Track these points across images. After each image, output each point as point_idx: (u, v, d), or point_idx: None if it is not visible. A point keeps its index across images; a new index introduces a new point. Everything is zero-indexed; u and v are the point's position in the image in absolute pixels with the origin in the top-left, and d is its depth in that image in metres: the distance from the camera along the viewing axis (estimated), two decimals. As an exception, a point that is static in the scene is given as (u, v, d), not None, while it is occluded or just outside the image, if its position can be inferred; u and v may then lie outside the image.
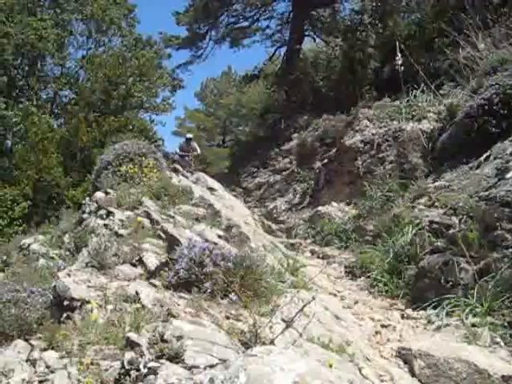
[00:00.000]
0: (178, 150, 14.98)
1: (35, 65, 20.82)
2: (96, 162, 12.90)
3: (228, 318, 3.29)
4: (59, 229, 7.83)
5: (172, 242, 4.19)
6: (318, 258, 8.06)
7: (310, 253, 8.33)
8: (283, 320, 3.24)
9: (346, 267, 7.36)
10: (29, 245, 7.56)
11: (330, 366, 2.43)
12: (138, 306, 3.13)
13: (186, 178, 10.11)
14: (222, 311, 3.37)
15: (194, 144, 16.42)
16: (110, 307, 3.41)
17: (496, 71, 8.09)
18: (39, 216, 13.92)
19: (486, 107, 7.30)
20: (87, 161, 15.05)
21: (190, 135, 16.15)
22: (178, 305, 3.33)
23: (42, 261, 6.30)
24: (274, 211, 12.15)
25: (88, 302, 3.44)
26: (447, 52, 12.64)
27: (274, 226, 10.46)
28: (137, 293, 3.35)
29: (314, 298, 2.88)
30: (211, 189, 9.37)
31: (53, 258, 6.47)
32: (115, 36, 22.53)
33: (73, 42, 22.83)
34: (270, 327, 2.95)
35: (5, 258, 7.81)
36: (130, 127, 16.88)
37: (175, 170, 10.81)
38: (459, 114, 8.04)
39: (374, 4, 17.67)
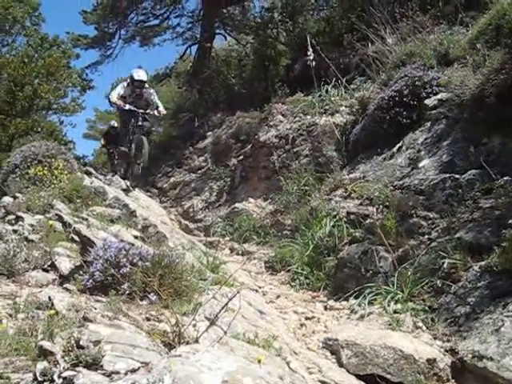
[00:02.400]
0: (117, 102, 9.68)
1: None
2: (2, 165, 12.34)
3: (148, 319, 3.14)
4: (-37, 236, 7.38)
5: (86, 244, 3.98)
6: (238, 254, 7.98)
7: (229, 250, 8.24)
8: (207, 318, 3.12)
9: (265, 262, 7.31)
10: None
11: (259, 361, 2.33)
12: (52, 312, 2.91)
13: (100, 180, 9.81)
14: (141, 313, 3.21)
15: (153, 94, 10.31)
16: (20, 316, 3.17)
17: (405, 64, 8.25)
18: None
19: (397, 99, 7.41)
20: (-7, 165, 14.36)
21: (143, 76, 10.06)
22: (95, 309, 3.14)
23: None
24: (191, 210, 11.97)
25: (-3, 312, 3.19)
26: (357, 47, 12.89)
27: (191, 225, 10.31)
28: (49, 298, 3.13)
29: (238, 292, 2.77)
30: (125, 190, 9.16)
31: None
32: (19, 35, 21.60)
33: (-28, 42, 21.80)
34: (194, 325, 2.82)
35: None
36: (39, 129, 16.17)
37: (88, 173, 10.47)
38: (371, 107, 8.15)
39: (284, 1, 17.82)
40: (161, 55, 70.68)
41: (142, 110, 9.91)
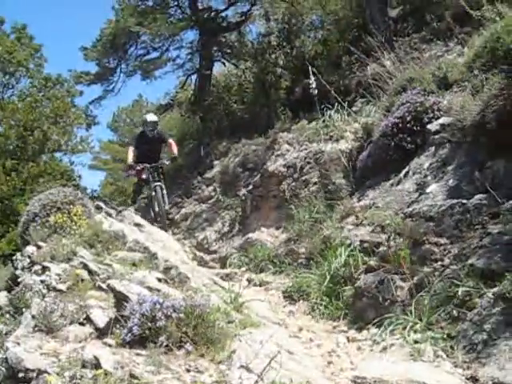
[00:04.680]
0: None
1: None
2: (19, 211, 12.56)
3: (188, 370, 3.35)
4: (-10, 287, 7.59)
5: (121, 299, 4.21)
6: (255, 285, 8.16)
7: (246, 281, 8.40)
8: (242, 366, 3.32)
9: (283, 292, 7.49)
10: (-42, 308, 7.28)
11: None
12: (100, 372, 3.13)
13: (110, 215, 9.93)
14: (181, 364, 3.42)
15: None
16: (67, 374, 3.39)
17: (405, 89, 8.49)
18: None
19: (400, 125, 7.66)
20: (9, 210, 14.65)
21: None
22: (138, 364, 3.36)
23: (-23, 325, 6.12)
24: (205, 241, 12.17)
25: (44, 372, 3.41)
26: (354, 69, 13.19)
27: (206, 257, 10.50)
28: (95, 358, 3.34)
29: (279, 352, 2.98)
30: (138, 225, 9.28)
31: (-12, 319, 6.30)
32: (23, 77, 22.05)
33: (-22, 85, 22.27)
34: (240, 383, 3.02)
35: None
36: (50, 171, 16.42)
37: (98, 208, 10.59)
38: (375, 134, 8.40)
39: (281, 26, 18.14)
40: (162, 86, 71.51)
41: None
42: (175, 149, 11.29)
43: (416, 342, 4.62)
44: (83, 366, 3.40)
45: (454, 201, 5.77)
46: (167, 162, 11.33)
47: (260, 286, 8.12)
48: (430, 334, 4.66)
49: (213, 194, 14.17)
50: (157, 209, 10.51)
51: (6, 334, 5.09)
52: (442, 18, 12.53)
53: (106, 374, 3.13)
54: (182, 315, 3.74)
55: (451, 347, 4.45)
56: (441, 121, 7.29)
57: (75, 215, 7.42)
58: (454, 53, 10.42)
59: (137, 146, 11.13)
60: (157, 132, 11.29)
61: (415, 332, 4.75)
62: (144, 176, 10.68)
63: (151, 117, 11.64)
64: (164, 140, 11.39)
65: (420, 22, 13.26)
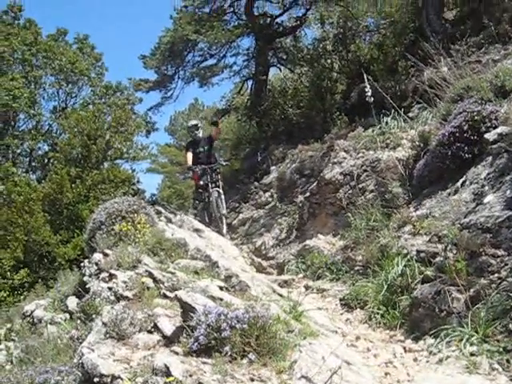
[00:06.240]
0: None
1: (8, 123, 21.21)
2: (84, 217, 13.03)
3: (252, 379, 3.55)
4: (59, 292, 8.00)
5: (187, 309, 4.44)
6: (313, 292, 8.32)
7: (304, 288, 8.59)
8: (303, 376, 3.51)
9: (340, 300, 7.64)
10: (32, 311, 7.70)
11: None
12: (171, 379, 3.37)
13: (170, 220, 10.24)
14: (244, 373, 3.63)
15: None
16: (139, 380, 3.64)
17: (462, 98, 8.49)
18: (31, 277, 14.06)
19: (457, 134, 7.66)
20: (74, 217, 15.27)
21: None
22: (205, 372, 3.58)
23: (50, 328, 6.50)
24: (263, 247, 12.37)
25: (118, 377, 3.67)
26: (411, 75, 13.18)
27: (264, 263, 10.70)
28: (166, 365, 3.58)
29: (340, 368, 3.15)
30: (197, 230, 9.55)
31: (59, 323, 6.67)
32: (85, 86, 22.97)
33: (43, 94, 23.37)
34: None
35: (9, 326, 7.95)
36: (112, 178, 16.97)
37: (158, 213, 10.88)
38: (432, 142, 8.41)
39: (335, 30, 18.22)
40: (219, 92, 73.00)
41: None
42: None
43: (472, 354, 4.69)
44: (154, 374, 3.65)
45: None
46: (224, 163, 12.42)
47: (317, 293, 8.27)
48: (486, 346, 4.72)
49: (270, 199, 14.40)
50: (214, 213, 10.85)
51: (77, 338, 5.44)
52: (499, 21, 12.41)
53: (176, 382, 3.36)
54: (245, 326, 3.94)
55: (507, 361, 4.50)
56: (498, 130, 7.24)
57: (139, 223, 7.71)
58: (514, 57, 10.31)
59: (191, 151, 11.79)
60: (203, 134, 12.25)
61: (471, 344, 4.82)
62: (201, 182, 11.24)
63: (191, 122, 13.20)
64: (210, 137, 12.14)
65: (477, 25, 13.11)
